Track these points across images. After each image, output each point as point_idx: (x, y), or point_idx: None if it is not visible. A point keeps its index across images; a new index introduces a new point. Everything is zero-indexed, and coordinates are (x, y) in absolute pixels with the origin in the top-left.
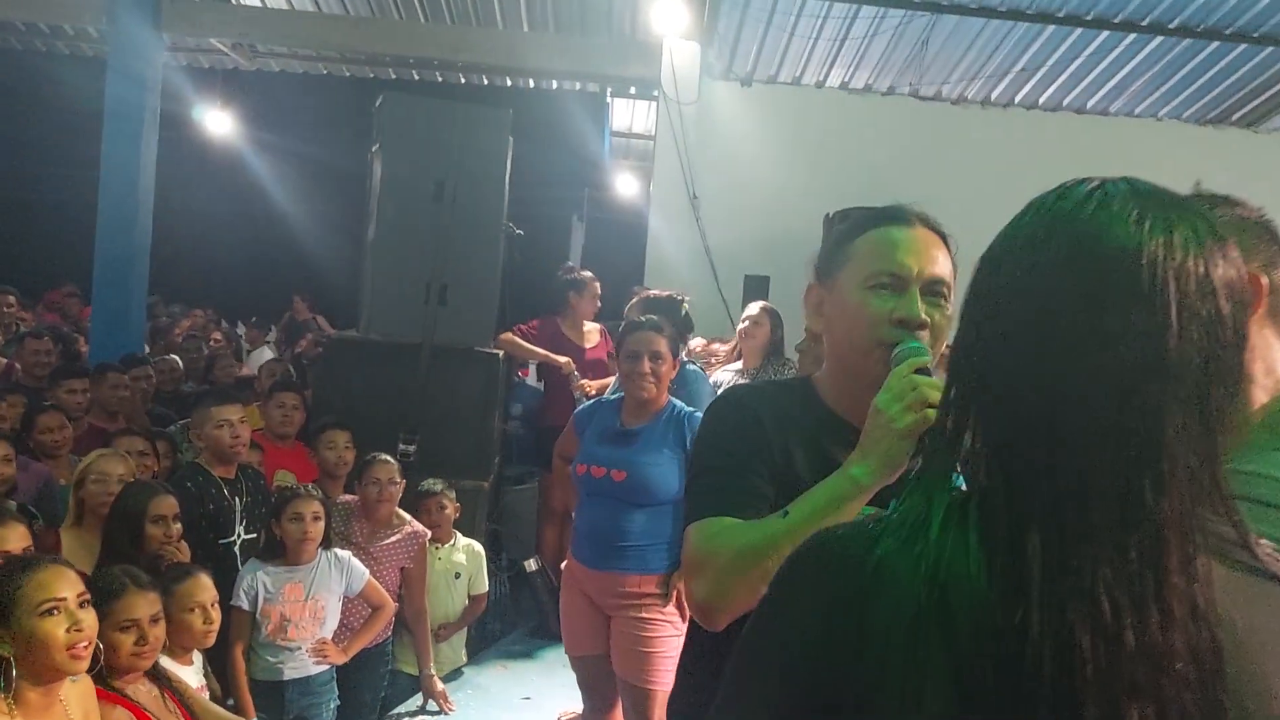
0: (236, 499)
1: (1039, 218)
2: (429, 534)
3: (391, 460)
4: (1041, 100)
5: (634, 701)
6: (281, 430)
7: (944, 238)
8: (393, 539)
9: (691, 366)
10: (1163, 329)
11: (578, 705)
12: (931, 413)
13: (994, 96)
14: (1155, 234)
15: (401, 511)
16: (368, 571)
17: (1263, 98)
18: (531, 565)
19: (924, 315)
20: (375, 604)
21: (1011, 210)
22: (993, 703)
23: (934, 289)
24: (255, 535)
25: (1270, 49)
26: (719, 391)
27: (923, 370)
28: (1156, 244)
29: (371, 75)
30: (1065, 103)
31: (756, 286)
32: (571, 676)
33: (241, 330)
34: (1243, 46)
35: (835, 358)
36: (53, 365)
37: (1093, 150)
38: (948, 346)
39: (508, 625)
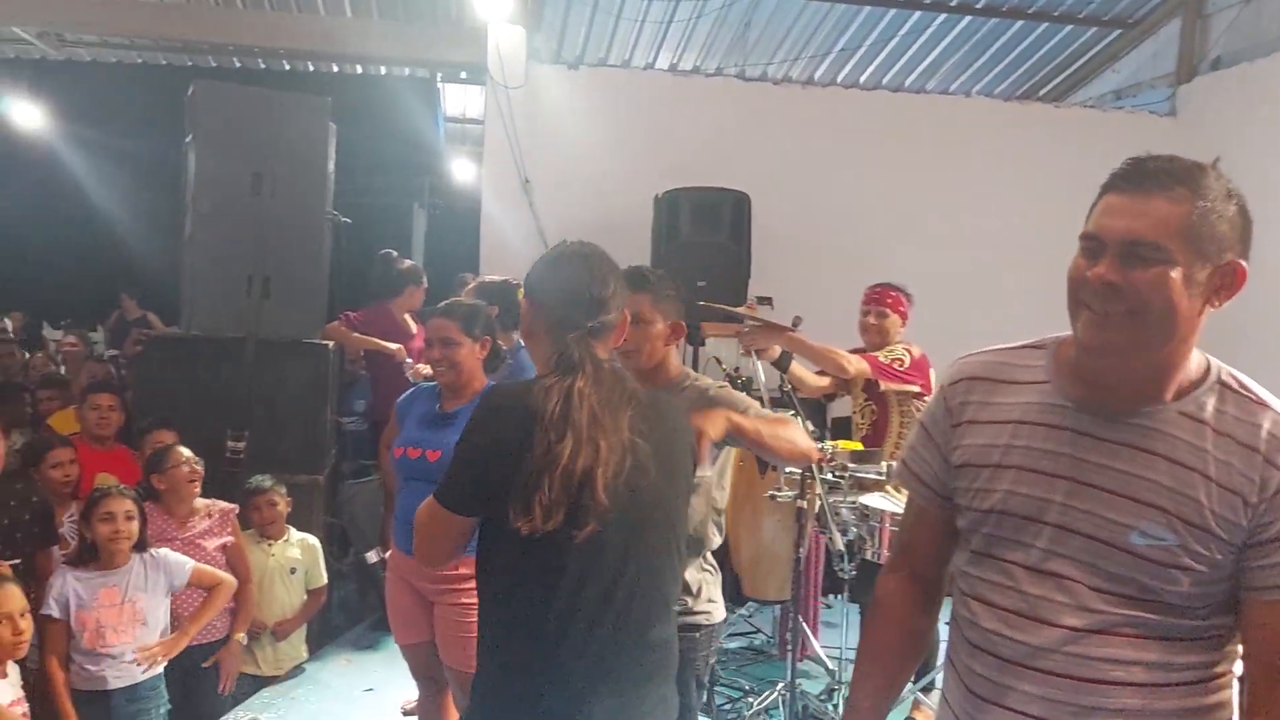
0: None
1: None
2: (236, 507)
3: (182, 448)
4: (862, 79)
5: (459, 685)
6: (98, 432)
7: None
8: (205, 525)
9: None
10: None
11: None
12: None
13: (817, 77)
14: None
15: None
16: (190, 559)
17: (1065, 74)
18: (372, 558)
19: None
20: (210, 585)
21: (837, 189)
22: None
23: None
24: None
25: (1070, 27)
26: None
27: None
28: None
29: (190, 64)
30: (884, 81)
31: None
32: None
33: (58, 334)
34: (1044, 25)
35: None
36: None
37: (910, 127)
38: None
39: (353, 619)
